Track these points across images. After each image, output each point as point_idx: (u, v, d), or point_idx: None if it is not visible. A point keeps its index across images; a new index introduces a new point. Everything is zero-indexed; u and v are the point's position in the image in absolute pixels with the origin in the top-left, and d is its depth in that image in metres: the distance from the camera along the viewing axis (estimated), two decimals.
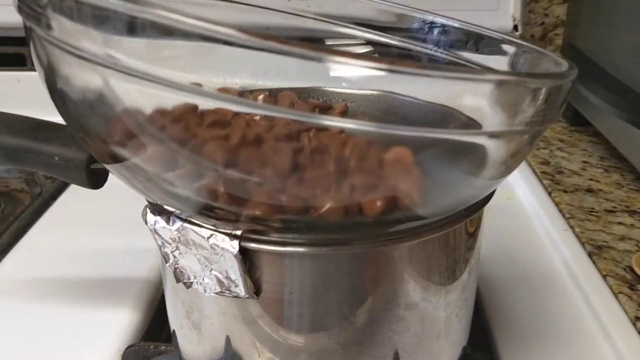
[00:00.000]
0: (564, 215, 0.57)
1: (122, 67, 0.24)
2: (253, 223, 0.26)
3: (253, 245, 0.27)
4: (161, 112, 0.28)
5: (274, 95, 0.39)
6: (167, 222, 0.28)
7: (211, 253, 0.27)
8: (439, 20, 0.38)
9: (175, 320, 0.34)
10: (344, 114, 0.40)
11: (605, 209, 0.57)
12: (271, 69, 0.40)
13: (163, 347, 0.39)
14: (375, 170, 0.29)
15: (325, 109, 0.40)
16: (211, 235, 0.27)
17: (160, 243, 0.29)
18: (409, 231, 0.28)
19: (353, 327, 0.29)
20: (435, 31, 0.37)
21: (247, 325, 0.29)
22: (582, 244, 0.53)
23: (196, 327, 0.31)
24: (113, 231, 0.55)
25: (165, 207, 0.28)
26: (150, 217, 0.29)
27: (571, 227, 0.55)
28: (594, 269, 0.49)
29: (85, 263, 0.51)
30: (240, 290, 0.28)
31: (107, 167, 0.29)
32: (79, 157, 0.34)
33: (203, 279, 0.29)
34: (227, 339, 0.31)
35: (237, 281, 0.28)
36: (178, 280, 0.29)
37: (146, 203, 0.31)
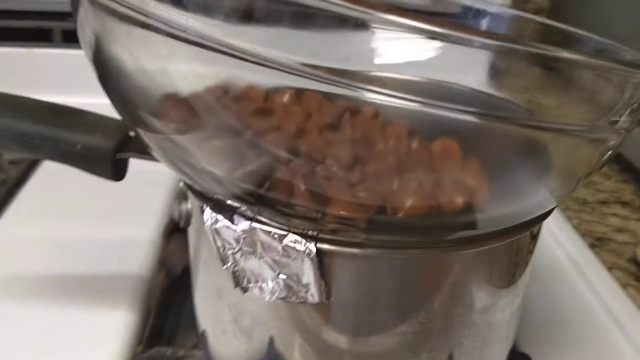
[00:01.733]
0: (559, 207, 0.57)
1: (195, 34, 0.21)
2: (335, 223, 0.24)
3: (330, 247, 0.25)
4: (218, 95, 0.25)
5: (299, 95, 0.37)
6: (231, 221, 0.25)
7: (282, 255, 0.25)
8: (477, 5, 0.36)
9: (215, 326, 0.31)
10: (376, 117, 0.37)
11: (598, 200, 0.58)
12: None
13: (182, 352, 0.36)
14: (428, 165, 0.28)
15: (355, 112, 0.38)
16: (284, 236, 0.25)
17: (219, 244, 0.26)
18: (483, 236, 0.27)
19: (427, 332, 0.27)
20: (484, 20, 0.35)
21: (310, 332, 0.27)
22: (582, 235, 0.53)
23: (245, 334, 0.29)
24: (92, 222, 0.50)
25: (229, 203, 0.25)
26: (209, 214, 0.26)
27: (568, 218, 0.55)
28: (598, 261, 0.50)
29: (65, 259, 0.45)
30: (312, 296, 0.25)
31: (161, 159, 0.26)
32: (104, 145, 0.30)
33: (267, 283, 0.26)
34: (271, 341, 0.28)
35: (309, 286, 0.25)
36: (237, 285, 0.27)
37: (178, 192, 0.28)
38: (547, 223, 0.53)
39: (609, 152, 0.26)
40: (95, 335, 0.38)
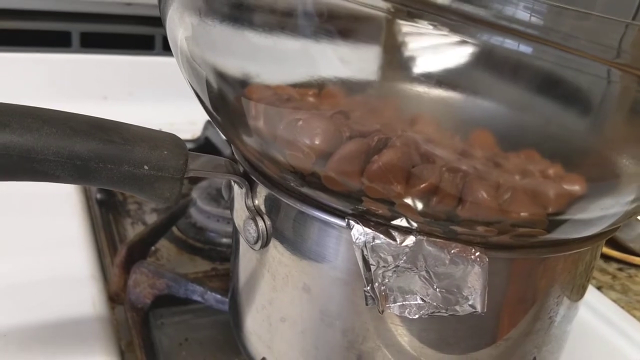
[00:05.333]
0: None
1: None
2: (511, 229, 0.23)
3: (496, 253, 0.24)
4: None
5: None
6: (390, 237, 0.23)
7: (446, 267, 0.23)
8: None
9: (314, 354, 0.27)
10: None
11: None
12: None
13: None
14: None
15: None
16: (452, 245, 0.23)
17: (373, 262, 0.23)
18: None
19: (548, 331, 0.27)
20: None
21: (448, 344, 0.26)
22: None
23: (366, 358, 0.26)
24: (16, 256, 0.42)
25: (392, 221, 0.23)
26: (361, 231, 0.23)
27: None
28: None
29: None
30: (473, 306, 0.24)
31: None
32: (174, 164, 0.25)
33: (416, 300, 0.24)
34: None
35: (469, 296, 0.24)
36: (382, 305, 0.24)
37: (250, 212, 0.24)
38: None
39: None
40: None
